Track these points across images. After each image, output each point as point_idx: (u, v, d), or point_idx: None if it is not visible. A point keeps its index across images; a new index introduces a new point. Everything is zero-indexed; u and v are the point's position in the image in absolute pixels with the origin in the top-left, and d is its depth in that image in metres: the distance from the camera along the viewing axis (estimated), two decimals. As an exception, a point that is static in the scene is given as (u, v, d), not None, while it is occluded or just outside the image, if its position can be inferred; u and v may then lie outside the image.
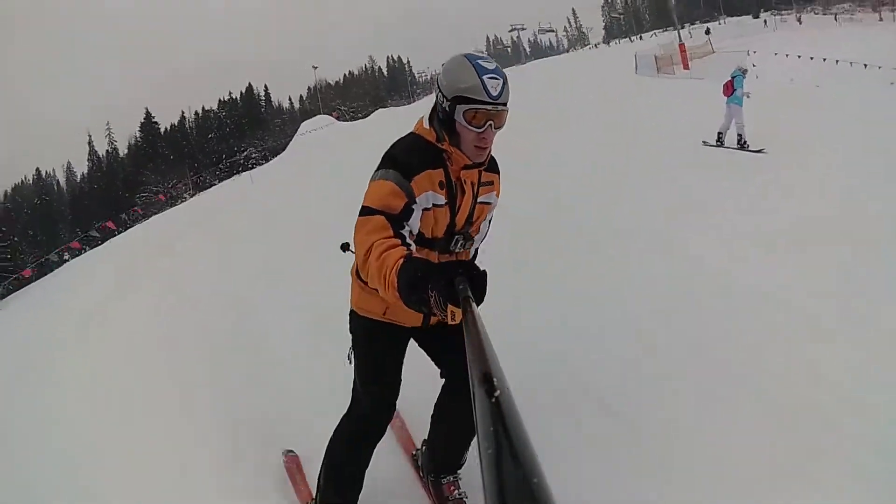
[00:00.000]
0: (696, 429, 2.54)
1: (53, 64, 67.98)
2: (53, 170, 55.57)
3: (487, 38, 79.44)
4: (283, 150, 34.62)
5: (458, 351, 1.65)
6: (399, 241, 1.53)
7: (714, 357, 3.11)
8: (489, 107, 1.58)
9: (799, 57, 17.80)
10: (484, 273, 1.29)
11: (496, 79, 1.58)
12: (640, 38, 50.34)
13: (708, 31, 33.42)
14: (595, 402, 2.72)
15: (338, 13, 76.20)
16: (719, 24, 45.32)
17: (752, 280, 4.02)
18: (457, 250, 1.85)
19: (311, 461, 2.45)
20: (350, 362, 1.94)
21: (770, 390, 2.75)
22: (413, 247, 1.61)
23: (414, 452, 2.41)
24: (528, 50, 69.91)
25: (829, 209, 4.77)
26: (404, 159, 1.68)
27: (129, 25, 68.50)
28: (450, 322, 1.22)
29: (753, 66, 19.28)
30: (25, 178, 53.71)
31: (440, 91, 1.66)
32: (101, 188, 51.20)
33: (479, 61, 1.61)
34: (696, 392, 2.80)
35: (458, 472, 2.16)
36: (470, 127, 1.61)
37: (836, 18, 36.36)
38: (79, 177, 55.23)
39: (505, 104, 1.61)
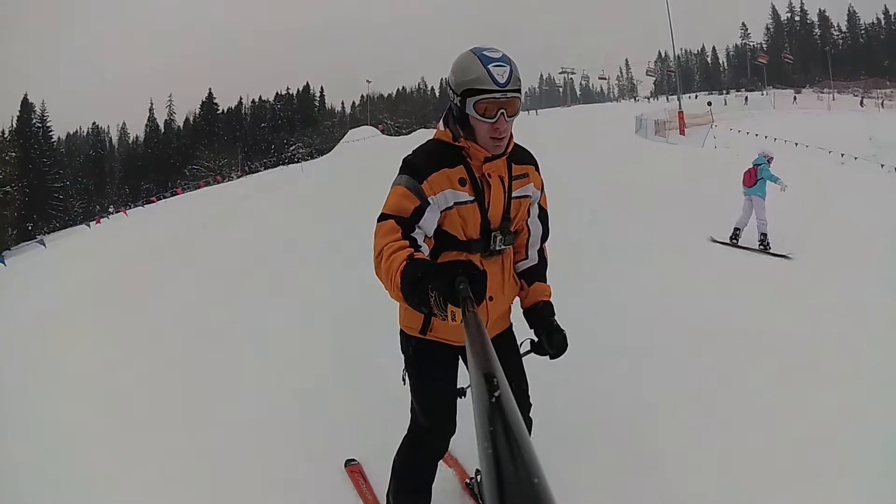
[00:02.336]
0: (695, 428, 2.73)
1: (123, 22, 71.53)
2: (108, 126, 59.33)
3: (541, 75, 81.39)
4: (330, 151, 39.39)
5: (513, 373, 1.95)
6: (407, 244, 1.58)
7: (711, 357, 3.47)
8: (498, 95, 1.58)
9: (756, 135, 19.71)
10: (484, 273, 1.31)
11: (502, 66, 1.59)
12: (676, 97, 52.74)
13: (710, 104, 35.81)
14: (593, 401, 2.91)
15: (400, 30, 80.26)
16: (762, 94, 47.26)
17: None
18: (497, 248, 1.81)
19: (373, 468, 2.55)
20: (405, 383, 1.93)
21: (768, 390, 3.03)
22: (424, 248, 1.66)
23: (468, 481, 2.47)
24: (578, 93, 74.02)
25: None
26: (417, 162, 1.72)
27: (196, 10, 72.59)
28: (450, 322, 1.24)
29: (715, 137, 21.26)
30: (80, 130, 57.59)
31: (451, 89, 1.67)
32: (154, 153, 55.63)
33: (485, 52, 1.62)
34: (695, 391, 3.05)
35: None
36: (482, 118, 1.61)
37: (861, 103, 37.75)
38: (131, 138, 59.33)
39: (516, 91, 1.61)
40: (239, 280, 6.64)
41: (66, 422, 3.49)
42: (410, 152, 1.79)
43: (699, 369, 3.34)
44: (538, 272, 2.01)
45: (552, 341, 1.89)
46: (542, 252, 2.04)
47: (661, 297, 4.75)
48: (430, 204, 1.68)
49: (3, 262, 16.84)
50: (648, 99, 59.87)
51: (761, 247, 7.63)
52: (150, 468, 2.83)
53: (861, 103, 38.53)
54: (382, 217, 1.67)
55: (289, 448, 2.89)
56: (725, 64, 68.57)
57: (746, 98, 43.53)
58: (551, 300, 1.99)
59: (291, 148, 53.11)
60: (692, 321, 4.08)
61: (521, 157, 1.88)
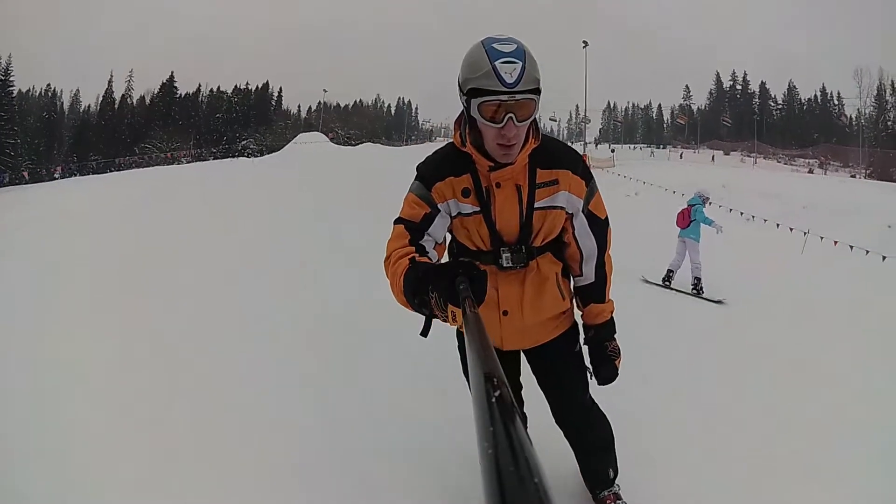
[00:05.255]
0: (693, 427, 2.95)
1: None
2: (61, 91, 60.32)
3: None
4: (279, 150, 42.74)
5: (557, 387, 2.06)
6: (414, 249, 1.61)
7: (713, 357, 3.91)
8: (504, 97, 1.46)
9: (637, 180, 23.81)
10: (484, 273, 1.29)
11: (512, 63, 1.46)
12: (609, 148, 56.75)
13: (613, 150, 42.15)
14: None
15: (366, 45, 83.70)
16: (694, 152, 51.87)
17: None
18: (507, 266, 1.76)
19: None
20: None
21: (771, 389, 3.39)
22: (432, 255, 1.69)
23: None
24: (532, 133, 78.32)
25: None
26: (426, 169, 1.75)
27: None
28: (450, 323, 1.25)
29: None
30: (33, 89, 58.40)
31: (458, 86, 1.57)
32: (107, 126, 57.66)
33: (495, 45, 1.49)
34: (696, 389, 3.33)
35: (614, 485, 2.21)
36: (488, 123, 1.52)
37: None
38: (82, 107, 61.01)
39: (530, 91, 1.49)
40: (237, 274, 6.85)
41: (65, 422, 3.37)
42: (423, 158, 1.78)
43: (697, 370, 3.63)
44: (593, 292, 1.93)
45: (598, 371, 1.94)
46: (600, 268, 1.91)
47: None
48: (439, 211, 1.71)
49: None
50: (588, 144, 64.42)
51: (694, 291, 7.71)
52: (150, 469, 2.77)
53: (811, 171, 43.54)
54: (396, 221, 1.72)
55: (290, 446, 2.88)
56: (669, 121, 72.07)
57: (682, 154, 48.69)
58: (611, 317, 1.96)
59: (243, 142, 56.05)
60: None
61: (551, 159, 1.72)
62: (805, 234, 13.00)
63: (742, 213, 16.20)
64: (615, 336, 1.99)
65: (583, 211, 1.82)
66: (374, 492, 2.51)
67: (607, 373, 1.94)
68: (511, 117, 1.51)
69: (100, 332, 4.84)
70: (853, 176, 44.46)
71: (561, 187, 1.74)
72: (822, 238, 12.61)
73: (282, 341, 4.36)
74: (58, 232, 10.42)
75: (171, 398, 3.51)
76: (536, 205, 1.72)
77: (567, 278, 1.99)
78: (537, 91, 1.52)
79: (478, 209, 1.72)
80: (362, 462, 2.71)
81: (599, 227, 1.87)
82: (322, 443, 2.91)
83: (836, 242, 12.25)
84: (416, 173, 1.79)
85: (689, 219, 8.26)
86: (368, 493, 2.50)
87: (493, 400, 0.67)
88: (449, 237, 1.89)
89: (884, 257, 10.65)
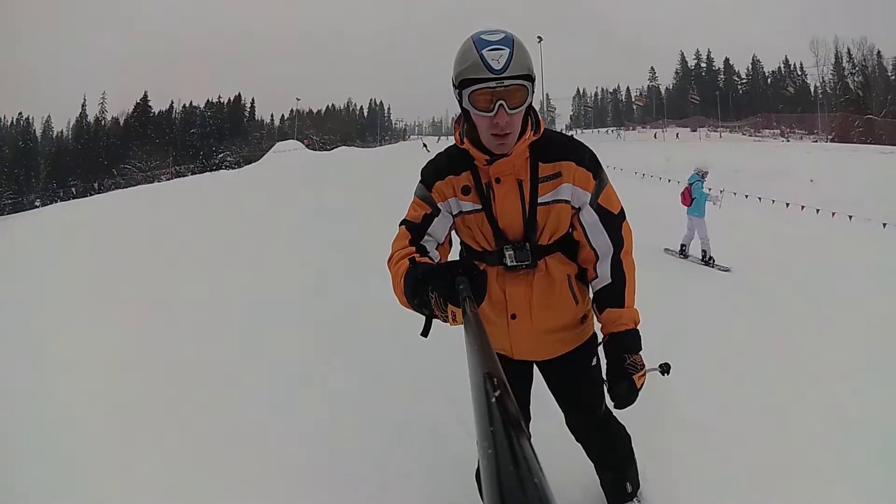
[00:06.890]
0: (696, 425, 2.94)
1: (62, 16, 70.89)
2: (32, 118, 60.73)
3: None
4: (256, 161, 43.49)
5: (570, 402, 2.03)
6: (415, 250, 1.63)
7: (714, 355, 3.89)
8: (493, 84, 1.47)
9: None
10: (484, 273, 1.32)
11: (499, 49, 1.47)
12: (579, 132, 58.05)
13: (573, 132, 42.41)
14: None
15: (335, 51, 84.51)
16: (662, 130, 52.01)
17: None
18: (511, 264, 1.72)
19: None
20: None
21: (771, 389, 3.34)
22: (434, 255, 1.70)
23: None
24: (502, 122, 79.56)
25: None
26: (427, 170, 1.76)
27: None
28: (450, 323, 1.25)
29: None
30: (4, 118, 59.11)
31: (452, 84, 1.58)
32: (83, 150, 58.21)
33: (483, 36, 1.52)
34: (697, 388, 3.32)
35: (634, 499, 2.19)
36: (480, 112, 1.52)
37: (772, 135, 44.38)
38: (55, 132, 61.39)
39: (519, 77, 1.49)
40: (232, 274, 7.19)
41: (65, 422, 3.41)
42: (426, 162, 1.79)
43: (695, 367, 3.66)
44: (611, 295, 1.76)
45: (613, 390, 1.69)
46: (617, 266, 1.77)
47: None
48: (440, 211, 1.72)
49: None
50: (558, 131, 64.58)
51: (703, 261, 8.24)
52: (150, 469, 2.83)
53: (785, 140, 46.23)
54: (401, 222, 1.75)
55: (290, 447, 2.95)
56: (637, 103, 71.89)
57: (655, 134, 49.21)
58: (634, 328, 1.74)
59: (220, 155, 57.08)
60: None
61: (553, 152, 1.68)
62: (721, 191, 14.86)
63: (676, 181, 17.75)
64: (639, 351, 1.73)
65: (591, 205, 1.73)
66: (374, 492, 2.56)
67: (623, 391, 1.67)
68: (502, 104, 1.49)
69: (100, 334, 5.03)
70: (815, 141, 46.74)
71: (564, 179, 1.68)
72: (733, 193, 14.57)
73: (282, 343, 4.52)
74: (57, 244, 10.91)
75: (170, 399, 3.62)
76: (540, 200, 1.68)
77: (586, 285, 1.89)
78: (528, 78, 1.52)
79: (479, 207, 1.70)
80: (363, 462, 2.78)
81: (613, 222, 1.76)
82: (322, 443, 2.98)
83: (760, 199, 14.46)
84: (421, 173, 1.80)
85: (689, 197, 8.42)
86: (369, 493, 2.56)
87: (493, 400, 0.67)
88: (457, 240, 1.89)
89: (833, 213, 12.64)
